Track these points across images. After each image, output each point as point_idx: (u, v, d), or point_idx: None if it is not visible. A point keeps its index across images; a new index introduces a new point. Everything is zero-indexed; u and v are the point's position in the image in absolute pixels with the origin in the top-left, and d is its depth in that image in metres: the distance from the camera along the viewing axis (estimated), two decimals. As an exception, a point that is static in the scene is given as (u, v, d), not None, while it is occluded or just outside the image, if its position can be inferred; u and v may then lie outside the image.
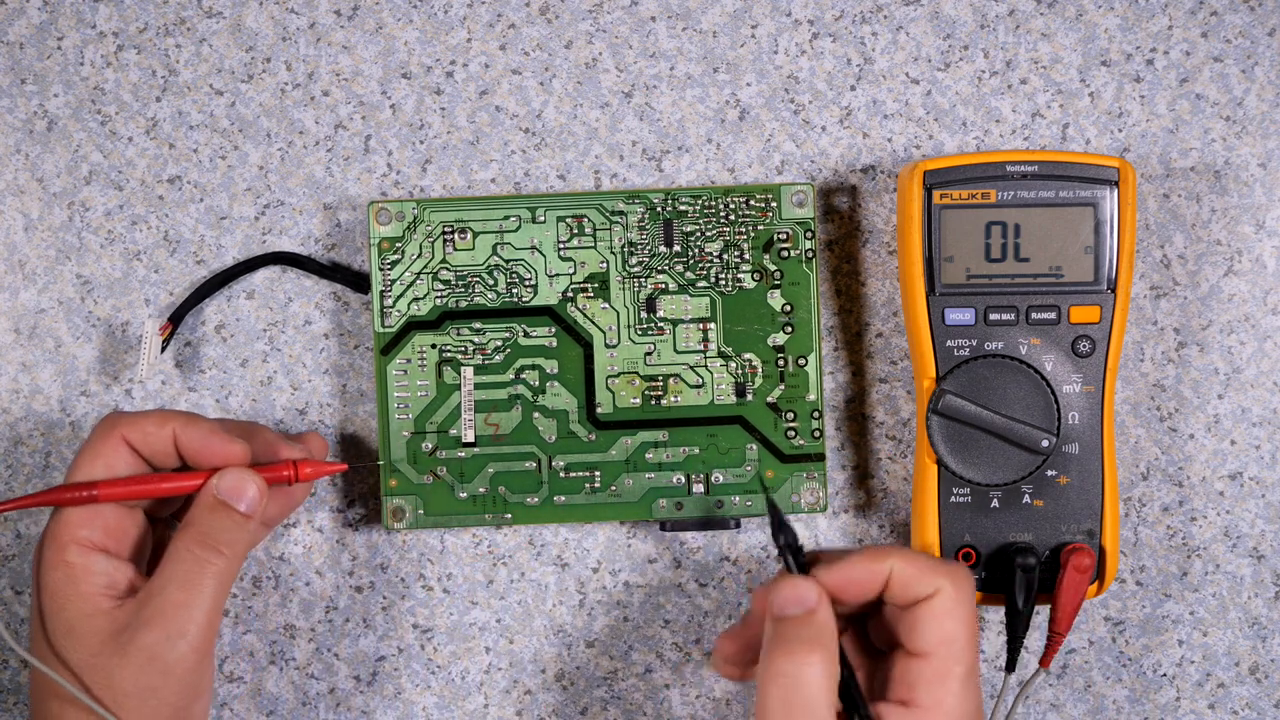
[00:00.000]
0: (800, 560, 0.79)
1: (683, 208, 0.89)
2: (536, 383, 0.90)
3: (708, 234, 0.89)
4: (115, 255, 0.92)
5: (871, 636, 0.81)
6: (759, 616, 0.79)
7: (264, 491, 0.84)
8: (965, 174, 0.86)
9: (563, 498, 0.90)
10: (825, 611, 0.76)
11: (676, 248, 0.89)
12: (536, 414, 0.90)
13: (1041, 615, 0.91)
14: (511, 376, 0.90)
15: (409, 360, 0.90)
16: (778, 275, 0.89)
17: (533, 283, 0.89)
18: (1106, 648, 0.92)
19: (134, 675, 0.81)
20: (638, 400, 0.90)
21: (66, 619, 0.81)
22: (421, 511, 0.90)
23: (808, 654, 0.74)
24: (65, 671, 0.81)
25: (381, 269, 0.89)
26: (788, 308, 0.89)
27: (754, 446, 0.90)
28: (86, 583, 0.81)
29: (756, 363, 0.89)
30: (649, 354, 0.90)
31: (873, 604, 0.79)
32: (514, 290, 0.90)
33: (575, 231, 0.89)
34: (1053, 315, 0.86)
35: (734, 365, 0.89)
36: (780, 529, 0.79)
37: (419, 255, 0.89)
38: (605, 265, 0.89)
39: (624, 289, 0.89)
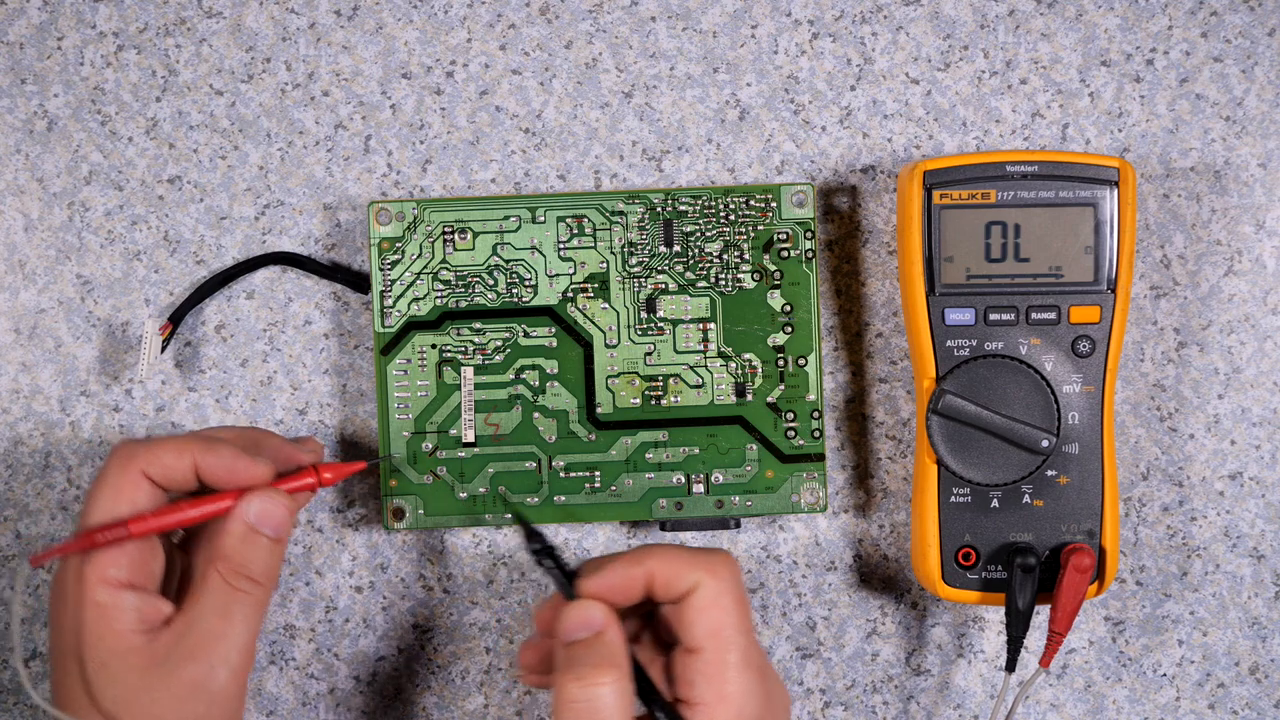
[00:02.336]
0: (563, 566, 0.80)
1: (683, 208, 0.89)
2: (536, 383, 0.90)
3: (707, 234, 0.89)
4: (115, 255, 0.92)
5: (663, 634, 0.81)
6: (546, 630, 0.80)
7: (293, 512, 0.83)
8: (965, 174, 0.86)
9: (563, 498, 0.90)
10: (613, 631, 0.77)
11: (676, 248, 0.89)
12: (536, 414, 0.90)
13: (1041, 615, 0.91)
14: (511, 376, 0.90)
15: (409, 360, 0.90)
16: (777, 275, 0.89)
17: (533, 283, 0.89)
18: (1106, 648, 0.92)
19: (178, 706, 0.81)
20: (638, 400, 0.90)
21: (99, 656, 0.80)
22: (421, 511, 0.90)
23: (599, 676, 0.75)
24: (100, 708, 0.81)
25: (381, 269, 0.89)
26: (787, 308, 0.89)
27: (754, 447, 0.90)
28: (119, 620, 0.80)
29: (756, 363, 0.89)
30: (649, 354, 0.90)
31: (655, 603, 0.80)
32: (514, 290, 0.90)
33: (575, 232, 0.89)
34: (1053, 315, 0.86)
35: (734, 365, 0.89)
36: (531, 537, 0.80)
37: (419, 255, 0.89)
38: (605, 265, 0.89)
39: (624, 289, 0.89)
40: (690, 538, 0.92)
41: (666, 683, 0.80)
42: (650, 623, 0.82)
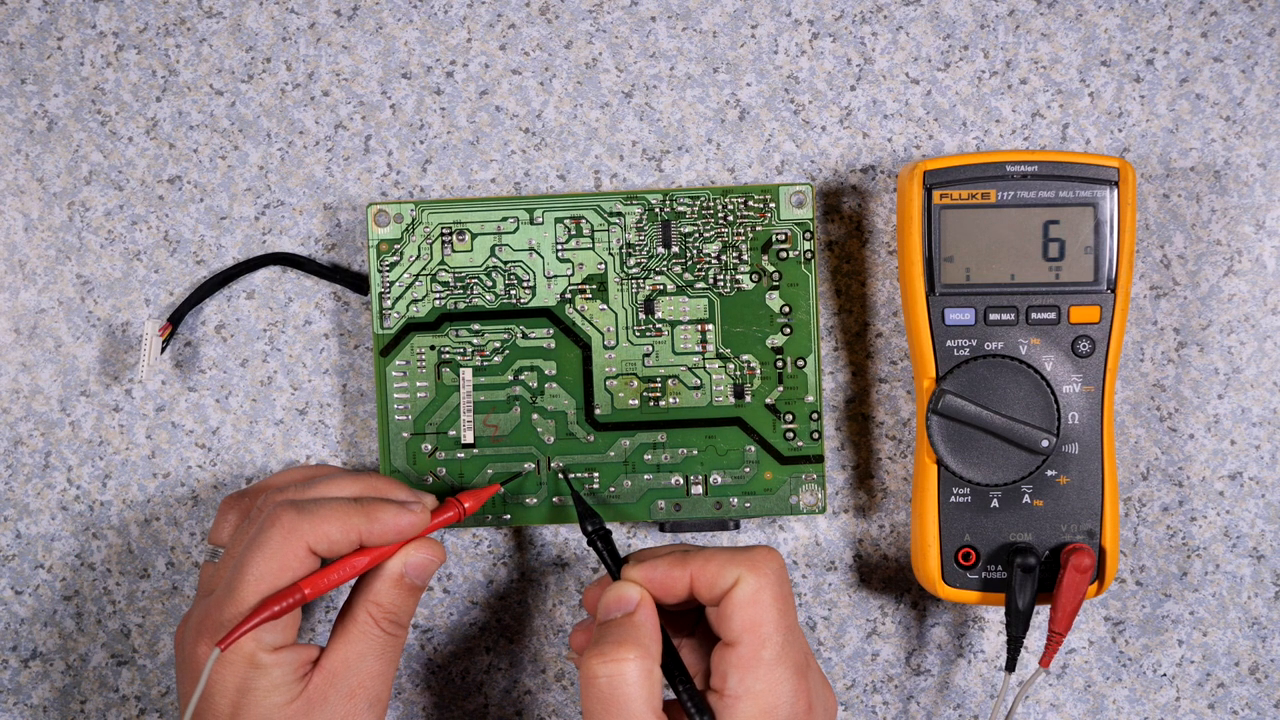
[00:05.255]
0: (612, 547, 0.82)
1: (681, 209, 0.89)
2: (535, 384, 0.90)
3: (706, 235, 0.89)
4: (115, 255, 0.92)
5: (711, 632, 0.82)
6: (595, 612, 0.82)
7: (443, 560, 0.85)
8: (965, 174, 0.86)
9: (561, 498, 0.90)
10: (644, 612, 0.79)
11: (675, 249, 0.89)
12: (535, 415, 0.90)
13: (1041, 615, 0.91)
14: (510, 378, 0.90)
15: (408, 362, 0.90)
16: (776, 276, 0.89)
17: (531, 284, 0.89)
18: (1106, 648, 0.92)
19: None
20: (636, 402, 0.90)
21: (260, 712, 0.82)
22: (421, 512, 0.90)
23: (622, 653, 0.76)
24: None
25: (380, 271, 0.89)
26: (786, 309, 0.89)
27: (753, 448, 0.90)
28: (279, 676, 0.82)
29: (755, 364, 0.89)
30: (647, 355, 0.90)
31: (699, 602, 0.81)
32: (512, 292, 0.89)
33: (573, 233, 0.89)
34: (1053, 315, 0.86)
35: (732, 367, 0.89)
36: (587, 517, 0.83)
37: (417, 257, 0.89)
38: (603, 266, 0.89)
39: (622, 290, 0.89)
40: (689, 539, 0.92)
41: (705, 678, 0.80)
42: (699, 624, 0.83)
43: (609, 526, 0.91)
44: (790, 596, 0.79)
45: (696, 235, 0.89)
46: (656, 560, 0.80)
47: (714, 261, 0.89)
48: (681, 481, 0.90)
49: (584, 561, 0.93)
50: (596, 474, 0.90)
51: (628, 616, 0.79)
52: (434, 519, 0.85)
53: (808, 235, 0.89)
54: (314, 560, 0.82)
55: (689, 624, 0.84)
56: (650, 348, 0.90)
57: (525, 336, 0.89)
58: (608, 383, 0.90)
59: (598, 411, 0.90)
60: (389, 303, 0.89)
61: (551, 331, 0.90)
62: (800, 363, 0.89)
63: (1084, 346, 0.86)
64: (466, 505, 0.86)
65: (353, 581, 0.86)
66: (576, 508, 0.84)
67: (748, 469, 0.90)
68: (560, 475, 0.90)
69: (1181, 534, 0.92)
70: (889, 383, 0.92)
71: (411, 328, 0.89)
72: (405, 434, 0.90)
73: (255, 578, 0.81)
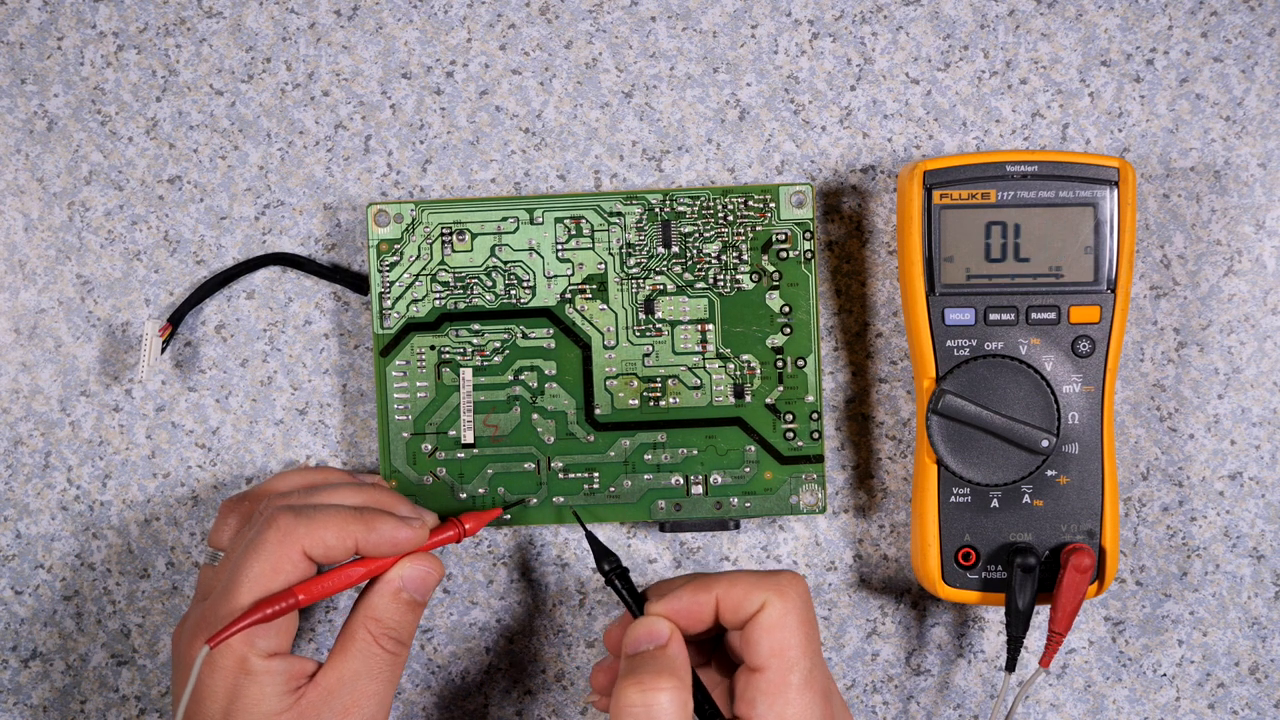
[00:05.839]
0: (630, 585, 0.81)
1: (681, 208, 0.89)
2: (535, 384, 0.90)
3: (706, 235, 0.89)
4: (115, 255, 0.92)
5: (731, 657, 0.82)
6: (618, 652, 0.81)
7: (442, 576, 0.85)
8: (965, 174, 0.86)
9: (561, 498, 0.90)
10: (676, 644, 0.78)
11: (675, 249, 0.89)
12: (535, 415, 0.90)
13: (1041, 615, 0.91)
14: (510, 378, 0.90)
15: (408, 362, 0.90)
16: (776, 276, 0.89)
17: (531, 284, 0.89)
18: (1106, 648, 0.92)
19: None
20: (636, 402, 0.90)
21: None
22: (421, 512, 0.90)
23: (658, 682, 0.76)
24: None
25: (380, 271, 0.89)
26: (786, 309, 0.89)
27: (753, 448, 0.90)
28: (270, 685, 0.82)
29: (755, 364, 0.89)
30: (647, 355, 0.89)
31: (720, 628, 0.80)
32: (512, 292, 0.89)
33: (573, 233, 0.89)
34: (1053, 315, 0.86)
35: (732, 366, 0.89)
36: (603, 556, 0.82)
37: (417, 257, 0.89)
38: (603, 266, 0.89)
39: (622, 290, 0.89)
40: (689, 539, 0.92)
41: (729, 704, 0.80)
42: (715, 650, 0.83)
43: (613, 528, 0.91)
44: (815, 621, 0.78)
45: (696, 235, 0.89)
46: (679, 591, 0.79)
47: (714, 261, 0.89)
48: (681, 481, 0.90)
49: (584, 561, 0.93)
50: (596, 474, 0.90)
51: (660, 649, 0.78)
52: (433, 537, 0.85)
53: (808, 235, 0.89)
54: (309, 565, 0.82)
55: (705, 653, 0.83)
56: (650, 348, 0.90)
57: (525, 336, 0.89)
58: (608, 383, 0.90)
59: (598, 411, 0.90)
60: (389, 303, 0.89)
61: (551, 331, 0.89)
62: (800, 363, 0.89)
63: (1084, 346, 0.86)
64: (467, 526, 0.86)
65: (353, 597, 0.86)
66: (591, 548, 0.83)
67: (748, 469, 0.90)
68: (574, 515, 0.90)
69: (1181, 534, 0.92)
70: (889, 383, 0.92)
71: (411, 328, 0.89)
72: (405, 434, 0.90)
73: (250, 579, 0.81)
